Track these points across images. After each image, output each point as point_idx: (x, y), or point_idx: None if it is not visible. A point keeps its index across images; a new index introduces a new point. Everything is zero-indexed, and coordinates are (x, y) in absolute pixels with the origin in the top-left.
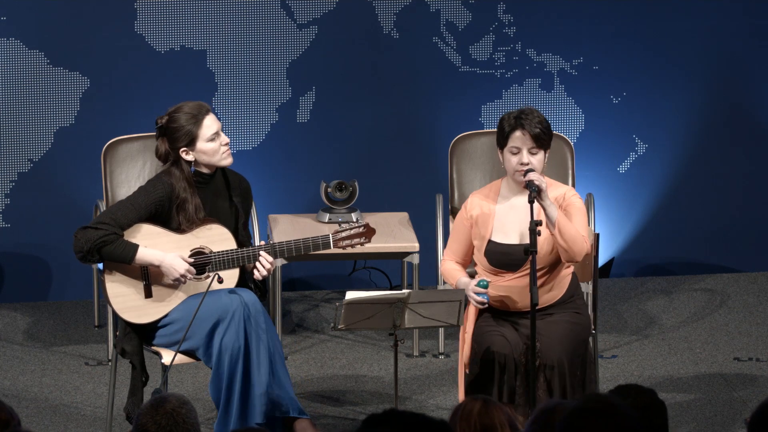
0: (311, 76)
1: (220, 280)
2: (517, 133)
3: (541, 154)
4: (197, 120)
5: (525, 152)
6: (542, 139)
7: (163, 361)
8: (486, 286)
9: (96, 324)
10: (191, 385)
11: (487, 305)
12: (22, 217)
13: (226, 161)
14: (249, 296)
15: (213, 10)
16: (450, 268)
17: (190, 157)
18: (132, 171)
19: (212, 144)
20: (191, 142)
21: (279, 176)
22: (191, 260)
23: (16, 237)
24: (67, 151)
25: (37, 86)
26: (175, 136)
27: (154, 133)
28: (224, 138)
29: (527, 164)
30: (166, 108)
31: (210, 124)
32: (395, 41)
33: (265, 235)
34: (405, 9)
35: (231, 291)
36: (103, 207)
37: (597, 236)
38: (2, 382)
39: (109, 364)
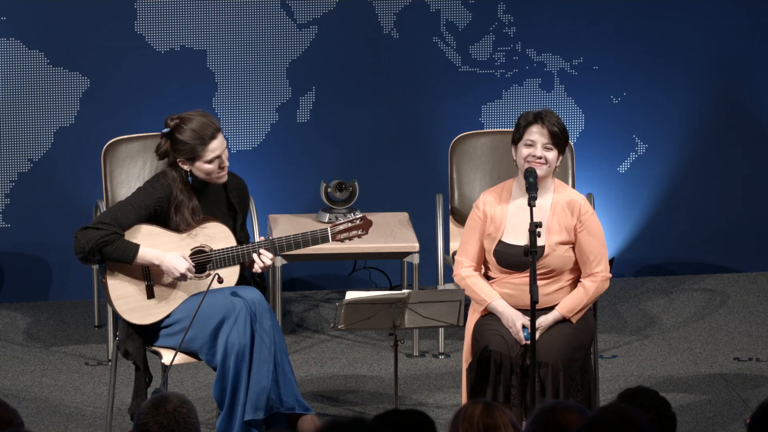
0: (311, 76)
1: (220, 280)
2: (535, 127)
3: (554, 153)
4: (203, 142)
5: (540, 146)
6: (558, 138)
7: (163, 361)
8: (528, 337)
9: (96, 324)
10: (191, 385)
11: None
12: (22, 217)
13: (220, 180)
14: (254, 294)
15: (213, 10)
16: (482, 285)
17: (186, 167)
18: (132, 171)
19: (210, 166)
20: (191, 159)
21: (279, 176)
22: (191, 259)
23: (16, 237)
24: (67, 151)
25: (37, 86)
26: (176, 148)
27: (155, 133)
28: (224, 161)
29: (540, 157)
30: (165, 108)
31: (214, 148)
32: (395, 41)
33: (265, 235)
34: (405, 9)
35: (236, 289)
36: (103, 207)
37: None
38: (2, 382)
39: (109, 364)
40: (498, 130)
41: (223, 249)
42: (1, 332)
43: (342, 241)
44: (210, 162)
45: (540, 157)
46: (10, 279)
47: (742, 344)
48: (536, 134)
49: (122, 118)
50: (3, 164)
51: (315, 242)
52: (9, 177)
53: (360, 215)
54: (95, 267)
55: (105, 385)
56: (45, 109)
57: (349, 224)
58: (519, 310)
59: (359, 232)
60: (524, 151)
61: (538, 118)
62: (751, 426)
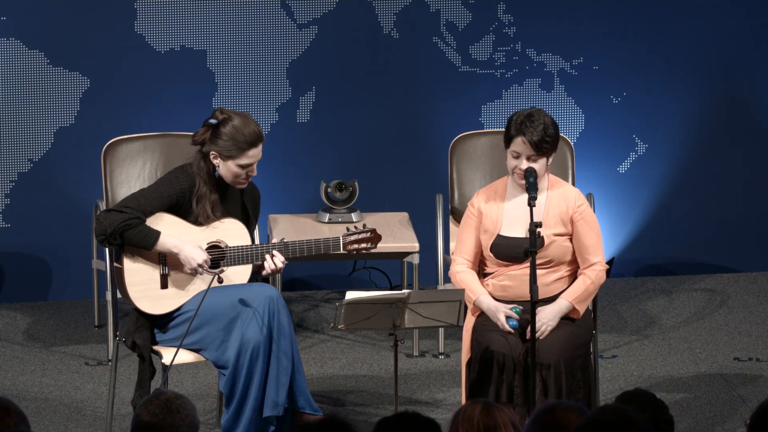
0: (311, 76)
1: (220, 280)
2: (519, 139)
3: (542, 161)
4: (242, 149)
5: (524, 159)
6: (543, 147)
7: (163, 360)
8: (519, 313)
9: (96, 324)
10: (191, 385)
11: (514, 332)
12: (22, 217)
13: (241, 186)
14: (272, 291)
15: (213, 10)
16: (470, 281)
17: (216, 162)
18: (132, 171)
19: (241, 170)
20: (226, 157)
21: (279, 176)
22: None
23: (16, 237)
24: (67, 151)
25: (37, 86)
26: (217, 141)
27: (155, 133)
28: (254, 170)
29: (524, 170)
30: (165, 108)
31: (252, 155)
32: (395, 41)
33: (265, 235)
34: (405, 9)
35: (251, 285)
36: (103, 207)
37: None
38: (2, 382)
39: (109, 364)
40: (498, 130)
41: (238, 246)
42: (1, 332)
43: (351, 252)
44: (242, 167)
45: (523, 169)
46: (10, 279)
47: (742, 344)
48: (520, 146)
49: (122, 118)
50: (3, 164)
51: (327, 250)
52: (9, 177)
53: (371, 228)
54: (96, 268)
55: (105, 384)
56: (45, 109)
57: (360, 236)
58: (517, 301)
59: (368, 245)
60: (511, 162)
61: (521, 129)
62: (751, 426)
